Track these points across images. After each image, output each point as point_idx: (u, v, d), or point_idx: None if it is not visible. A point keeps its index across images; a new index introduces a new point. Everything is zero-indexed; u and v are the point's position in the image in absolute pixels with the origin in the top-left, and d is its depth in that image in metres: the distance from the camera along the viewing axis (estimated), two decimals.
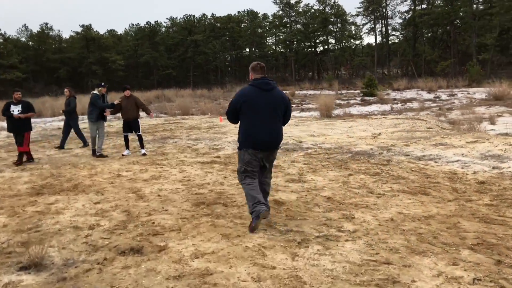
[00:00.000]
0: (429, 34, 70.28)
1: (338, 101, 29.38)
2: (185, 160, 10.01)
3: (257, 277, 3.88)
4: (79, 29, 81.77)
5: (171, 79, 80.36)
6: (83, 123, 20.67)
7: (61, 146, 12.69)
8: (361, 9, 76.22)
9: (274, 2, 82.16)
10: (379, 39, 78.05)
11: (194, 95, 44.79)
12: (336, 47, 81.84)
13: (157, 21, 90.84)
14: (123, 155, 11.09)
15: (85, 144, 12.90)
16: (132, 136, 11.62)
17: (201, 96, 44.80)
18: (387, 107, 25.38)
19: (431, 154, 9.46)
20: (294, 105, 28.05)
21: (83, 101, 29.58)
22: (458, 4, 59.63)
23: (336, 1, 79.56)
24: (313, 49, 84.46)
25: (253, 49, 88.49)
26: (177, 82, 74.86)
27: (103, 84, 11.52)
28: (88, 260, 4.42)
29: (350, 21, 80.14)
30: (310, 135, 13.39)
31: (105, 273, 4.11)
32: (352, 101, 30.55)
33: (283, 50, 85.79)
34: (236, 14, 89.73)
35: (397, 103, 27.30)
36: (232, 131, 15.19)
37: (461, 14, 60.75)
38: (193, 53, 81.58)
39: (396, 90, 40.03)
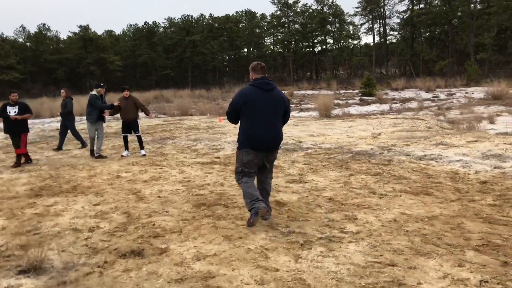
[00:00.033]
0: (427, 34, 70.33)
1: (336, 101, 29.34)
2: (184, 161, 9.95)
3: (260, 279, 3.82)
4: (77, 30, 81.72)
5: (169, 79, 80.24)
6: (82, 123, 20.63)
7: (59, 148, 12.61)
8: (359, 9, 76.33)
9: (272, 2, 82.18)
10: (377, 38, 78.18)
11: (193, 96, 44.70)
12: (334, 47, 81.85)
13: (155, 21, 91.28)
14: (122, 156, 11.02)
15: (84, 145, 12.82)
16: (131, 137, 11.55)
17: (200, 96, 44.72)
18: (386, 106, 25.35)
19: (432, 154, 9.42)
20: (292, 105, 28.00)
21: (81, 102, 29.54)
22: (455, 4, 59.67)
23: (334, 1, 79.59)
24: (311, 49, 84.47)
25: (251, 49, 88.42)
26: (175, 83, 74.74)
27: (101, 84, 11.44)
28: (88, 263, 4.36)
29: (348, 21, 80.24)
30: (310, 135, 13.34)
31: (106, 276, 4.06)
32: (350, 101, 30.52)
33: (281, 50, 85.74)
34: (234, 14, 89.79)
35: (395, 103, 27.27)
36: (231, 131, 15.12)
37: (459, 13, 60.78)
38: (191, 54, 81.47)
39: (395, 89, 40.03)
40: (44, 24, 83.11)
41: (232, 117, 5.38)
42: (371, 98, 31.60)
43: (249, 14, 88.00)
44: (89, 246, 4.82)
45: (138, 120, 11.09)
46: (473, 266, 3.96)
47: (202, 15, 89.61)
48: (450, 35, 63.17)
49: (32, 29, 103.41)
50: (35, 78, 75.85)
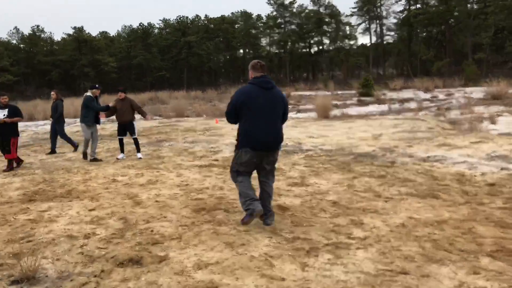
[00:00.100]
0: (424, 34, 70.28)
1: (334, 102, 29.09)
2: (182, 164, 9.74)
3: None
4: (71, 31, 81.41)
5: (164, 81, 79.96)
6: (76, 126, 20.36)
7: (52, 151, 12.32)
8: (356, 9, 76.25)
9: (268, 3, 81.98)
10: (374, 39, 78.17)
11: (188, 97, 44.42)
12: (330, 48, 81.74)
13: (150, 22, 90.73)
14: (117, 159, 10.79)
15: (76, 146, 12.56)
16: (126, 139, 11.32)
17: (195, 98, 44.44)
18: (384, 107, 25.16)
19: (436, 155, 9.23)
20: (290, 106, 27.78)
21: (75, 104, 29.27)
22: (452, 4, 59.65)
23: (331, 1, 79.57)
24: (307, 50, 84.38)
25: (247, 50, 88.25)
26: (170, 84, 74.40)
27: (97, 86, 11.20)
28: (84, 273, 4.14)
29: (344, 21, 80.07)
30: (310, 137, 13.14)
31: (103, 286, 3.84)
32: (348, 102, 30.33)
33: (277, 51, 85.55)
34: (230, 15, 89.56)
35: (394, 103, 27.08)
36: (229, 133, 14.91)
37: (455, 13, 60.80)
38: (187, 55, 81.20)
39: (393, 90, 39.84)
40: (37, 26, 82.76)
41: (232, 116, 5.21)
42: (369, 98, 31.42)
43: (245, 15, 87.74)
44: (85, 254, 4.60)
45: (134, 122, 10.86)
46: (489, 273, 3.76)
47: (197, 16, 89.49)
48: (447, 35, 63.18)
49: (26, 30, 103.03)
50: (29, 80, 75.51)
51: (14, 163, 10.07)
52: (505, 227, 4.91)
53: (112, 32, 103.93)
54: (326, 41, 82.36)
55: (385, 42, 77.48)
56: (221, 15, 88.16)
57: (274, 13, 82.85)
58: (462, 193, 6.35)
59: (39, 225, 5.65)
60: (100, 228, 5.42)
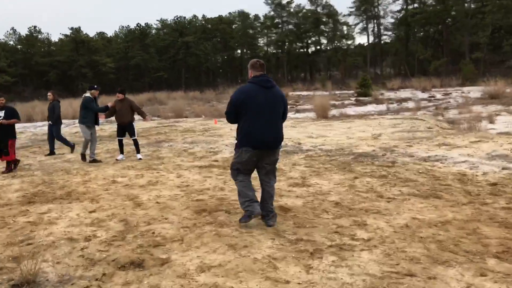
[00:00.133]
0: (422, 34, 70.34)
1: (332, 102, 29.08)
2: (182, 164, 9.68)
3: None
4: (68, 32, 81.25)
5: (162, 81, 79.85)
6: (75, 127, 20.28)
7: (51, 152, 12.24)
8: (353, 9, 76.31)
9: (266, 3, 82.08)
10: (371, 39, 78.20)
11: (187, 97, 44.36)
12: (328, 48, 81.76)
13: (147, 23, 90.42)
14: (117, 160, 10.73)
15: (72, 146, 12.48)
16: (126, 140, 11.25)
17: (194, 98, 44.41)
18: (383, 107, 25.17)
19: (436, 155, 9.19)
20: (288, 106, 27.74)
21: (74, 105, 29.19)
22: (450, 3, 59.71)
23: (328, 1, 79.51)
24: (305, 50, 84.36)
25: (244, 50, 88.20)
26: (168, 85, 74.32)
27: (95, 86, 11.14)
28: (85, 276, 4.08)
29: (342, 21, 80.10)
30: (309, 137, 13.10)
31: None
32: (347, 102, 30.33)
33: (274, 51, 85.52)
34: (227, 15, 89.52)
35: (392, 103, 27.09)
36: (228, 133, 14.87)
37: (453, 13, 60.86)
38: (185, 55, 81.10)
39: (390, 89, 39.90)
40: (35, 27, 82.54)
41: (232, 116, 5.19)
42: (367, 98, 31.44)
43: (242, 15, 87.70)
44: (86, 257, 4.53)
45: (133, 123, 10.80)
46: (496, 275, 3.72)
47: (195, 16, 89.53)
48: (444, 35, 63.23)
49: (23, 31, 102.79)
50: (27, 81, 75.38)
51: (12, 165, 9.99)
52: (510, 227, 4.87)
53: (110, 33, 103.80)
54: (324, 41, 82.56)
55: (382, 42, 77.65)
56: (219, 15, 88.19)
57: (272, 13, 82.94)
58: (464, 193, 6.31)
59: (38, 227, 5.58)
60: (100, 230, 5.36)
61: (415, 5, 68.76)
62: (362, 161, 9.04)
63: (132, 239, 4.99)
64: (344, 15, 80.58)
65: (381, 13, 75.63)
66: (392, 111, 22.91)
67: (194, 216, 5.76)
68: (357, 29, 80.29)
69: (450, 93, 32.15)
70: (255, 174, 5.39)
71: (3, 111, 9.72)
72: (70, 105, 29.65)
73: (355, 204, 5.96)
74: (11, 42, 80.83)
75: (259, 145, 5.03)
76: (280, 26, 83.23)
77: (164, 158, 10.59)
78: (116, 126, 11.07)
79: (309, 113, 23.25)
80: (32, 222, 5.82)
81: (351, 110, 24.15)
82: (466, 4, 59.55)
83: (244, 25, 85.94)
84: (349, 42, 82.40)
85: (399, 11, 71.81)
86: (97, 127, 11.13)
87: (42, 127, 22.28)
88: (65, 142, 12.63)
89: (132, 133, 10.70)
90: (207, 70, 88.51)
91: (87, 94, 10.78)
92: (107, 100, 12.06)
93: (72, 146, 12.52)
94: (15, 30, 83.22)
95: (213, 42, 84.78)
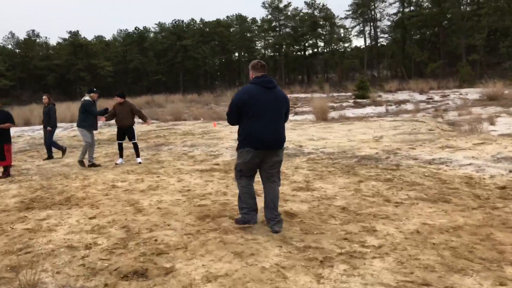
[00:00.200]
0: (418, 36, 70.36)
1: (331, 104, 28.99)
2: (182, 168, 9.52)
3: None
4: (67, 36, 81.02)
5: (160, 84, 79.73)
6: (73, 130, 20.11)
7: (49, 157, 12.05)
8: (350, 12, 76.28)
9: (263, 6, 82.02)
10: (368, 41, 78.21)
11: (185, 100, 44.23)
12: (325, 50, 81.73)
13: (145, 26, 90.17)
14: (116, 164, 10.57)
15: (64, 150, 12.29)
16: (125, 144, 11.08)
17: (192, 101, 44.24)
18: (381, 109, 25.08)
19: (440, 158, 9.06)
20: None
21: (72, 109, 29.02)
22: (446, 6, 59.75)
23: (325, 4, 79.60)
24: (302, 53, 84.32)
25: (242, 54, 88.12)
26: (167, 88, 74.17)
27: (95, 89, 10.97)
28: (86, 287, 3.92)
29: (339, 24, 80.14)
30: (310, 139, 12.96)
31: None
32: (345, 104, 30.22)
33: (272, 54, 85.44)
34: (225, 18, 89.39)
35: (391, 105, 27.00)
36: (228, 136, 14.73)
37: (449, 15, 60.90)
38: (183, 58, 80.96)
39: (388, 92, 39.83)
40: (33, 31, 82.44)
41: (234, 117, 5.10)
42: (365, 100, 31.35)
43: (240, 18, 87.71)
44: (87, 266, 4.37)
45: (134, 126, 10.64)
46: None
47: (193, 19, 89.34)
48: (441, 37, 63.25)
49: (21, 35, 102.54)
50: (25, 85, 75.15)
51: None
52: None
53: (108, 36, 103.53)
54: (321, 43, 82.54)
55: (379, 44, 77.61)
56: (216, 19, 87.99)
57: (269, 16, 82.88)
58: (473, 197, 6.17)
59: (37, 234, 5.41)
60: (101, 237, 5.20)
61: (412, 8, 68.82)
62: (365, 164, 8.90)
63: (134, 246, 4.84)
64: (341, 18, 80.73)
65: (378, 16, 75.68)
66: (391, 113, 22.81)
67: (197, 222, 5.60)
68: (354, 32, 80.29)
69: (448, 95, 32.09)
70: (258, 178, 5.26)
71: None
72: (68, 109, 29.47)
73: (362, 209, 5.82)
74: (10, 46, 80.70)
75: (260, 146, 4.95)
76: (277, 29, 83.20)
77: (164, 162, 10.43)
78: (115, 129, 10.90)
79: (308, 115, 23.13)
80: (30, 229, 5.65)
81: (350, 112, 24.02)
82: (462, 7, 59.56)
83: (242, 28, 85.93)
84: (346, 44, 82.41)
85: (395, 14, 71.86)
86: (94, 131, 10.95)
87: (40, 131, 22.05)
88: (56, 146, 12.38)
89: (132, 137, 10.54)
90: (205, 73, 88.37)
91: (87, 98, 10.61)
92: (105, 104, 11.89)
93: (63, 150, 12.33)
94: (13, 34, 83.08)
95: (211, 45, 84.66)
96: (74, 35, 78.95)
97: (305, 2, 79.94)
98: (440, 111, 22.06)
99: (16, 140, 17.55)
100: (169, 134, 16.83)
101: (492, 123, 15.50)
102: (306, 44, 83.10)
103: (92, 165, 10.36)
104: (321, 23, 79.21)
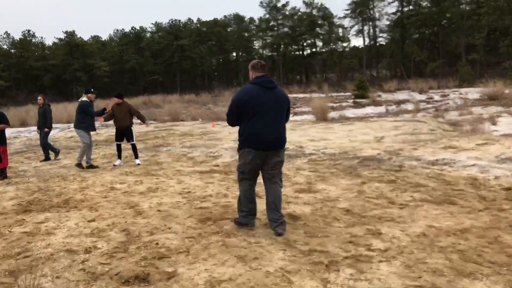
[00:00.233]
0: (417, 35, 70.30)
1: (330, 104, 28.90)
2: (181, 170, 9.41)
3: None
4: (63, 36, 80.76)
5: (157, 84, 79.52)
6: (70, 131, 19.97)
7: (46, 158, 11.91)
8: (349, 11, 76.23)
9: (261, 6, 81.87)
10: (367, 41, 78.16)
11: (182, 101, 44.09)
12: (324, 50, 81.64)
13: (142, 26, 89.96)
14: (114, 165, 10.45)
15: (57, 152, 12.17)
16: (123, 145, 10.96)
17: (189, 101, 44.10)
18: (381, 109, 24.99)
19: (444, 158, 8.97)
20: None
21: (68, 109, 28.87)
22: (445, 5, 59.72)
23: (323, 4, 79.44)
24: (300, 52, 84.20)
25: (240, 53, 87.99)
26: (164, 88, 74.03)
27: (92, 90, 10.84)
28: None
29: (337, 23, 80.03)
30: (310, 140, 12.86)
31: None
32: (344, 104, 30.14)
33: (270, 53, 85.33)
34: (222, 18, 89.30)
35: (391, 105, 26.91)
36: (227, 137, 14.63)
37: (448, 15, 60.87)
38: (180, 58, 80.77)
39: (387, 91, 39.75)
40: (29, 31, 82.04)
41: (233, 117, 5.03)
42: (365, 100, 31.27)
43: (238, 18, 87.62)
44: (87, 270, 4.26)
45: (132, 127, 10.52)
46: None
47: (190, 19, 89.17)
48: (440, 36, 63.23)
49: (17, 35, 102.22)
50: (20, 85, 74.89)
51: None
52: None
53: (104, 36, 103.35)
54: (319, 43, 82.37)
55: (378, 44, 77.57)
56: (214, 18, 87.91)
57: (267, 16, 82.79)
58: (479, 199, 6.08)
59: (36, 238, 5.30)
60: (101, 241, 5.09)
61: (411, 7, 68.79)
62: (368, 165, 8.80)
63: (135, 250, 4.73)
64: (340, 18, 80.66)
65: (377, 15, 75.64)
66: (391, 113, 22.72)
67: (198, 225, 5.49)
68: (352, 32, 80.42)
69: (448, 95, 32.03)
70: (260, 180, 5.16)
71: None
72: (64, 109, 29.32)
73: (367, 211, 5.72)
74: (5, 46, 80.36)
75: (261, 146, 4.89)
76: (275, 28, 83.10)
77: (163, 163, 10.32)
78: (113, 130, 10.78)
79: (307, 116, 23.03)
80: (28, 232, 5.54)
81: (350, 113, 23.92)
82: (461, 6, 59.55)
83: (240, 28, 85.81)
84: (345, 44, 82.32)
85: (394, 13, 71.83)
86: (92, 132, 10.82)
87: (36, 132, 21.96)
88: (51, 148, 12.23)
89: (130, 138, 10.42)
90: (203, 73, 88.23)
91: (84, 98, 10.48)
92: (102, 104, 11.72)
93: (56, 152, 12.20)
94: (9, 34, 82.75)
95: (208, 45, 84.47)
96: (70, 35, 78.65)
97: (303, 1, 79.90)
98: (441, 111, 21.98)
99: (12, 141, 17.41)
100: (167, 135, 16.72)
101: (494, 123, 15.43)
102: (305, 44, 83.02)
103: (90, 166, 10.25)
104: (320, 22, 79.11)
